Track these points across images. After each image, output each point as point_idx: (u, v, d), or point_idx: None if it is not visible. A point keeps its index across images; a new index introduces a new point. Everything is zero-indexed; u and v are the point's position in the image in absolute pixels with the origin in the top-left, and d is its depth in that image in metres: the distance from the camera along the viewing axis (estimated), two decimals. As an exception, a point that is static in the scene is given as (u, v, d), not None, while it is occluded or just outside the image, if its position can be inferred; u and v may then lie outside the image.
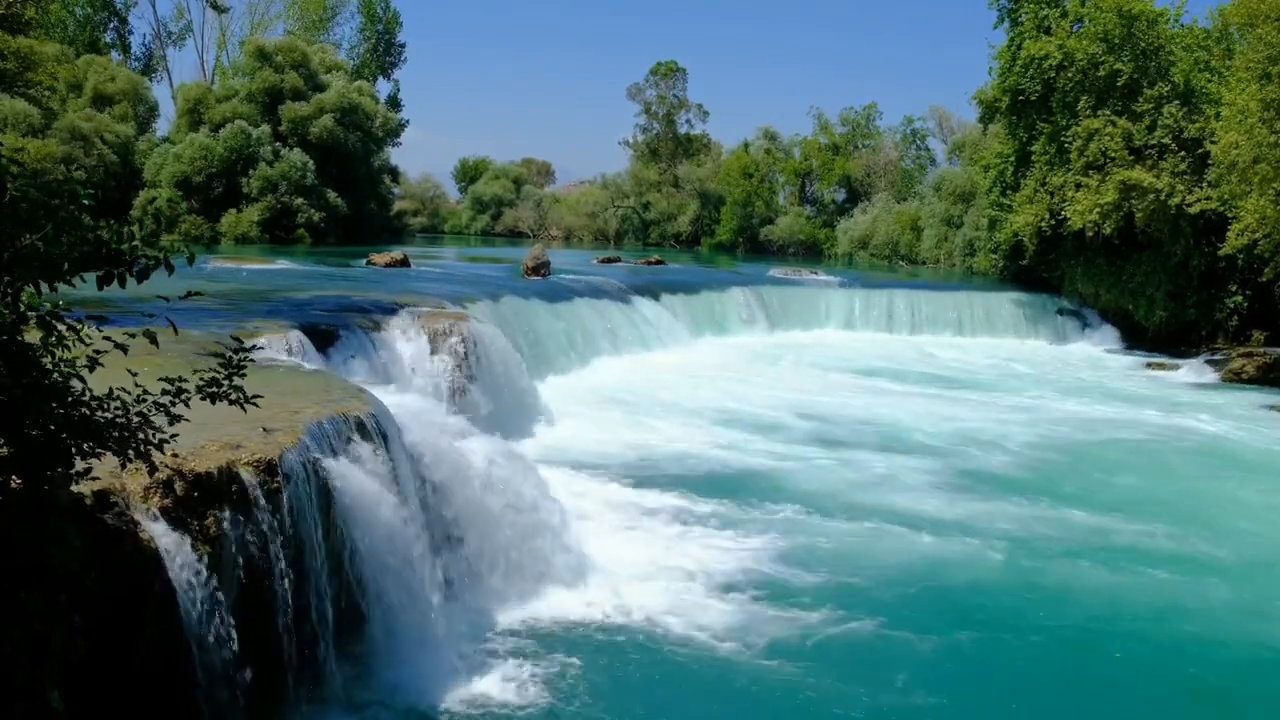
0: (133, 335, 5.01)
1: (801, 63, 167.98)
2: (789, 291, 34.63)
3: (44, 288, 4.77)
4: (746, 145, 68.48)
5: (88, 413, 4.92)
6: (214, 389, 5.50)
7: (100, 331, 4.99)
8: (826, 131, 67.55)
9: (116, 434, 5.03)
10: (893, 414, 20.52)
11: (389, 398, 10.21)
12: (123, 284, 4.84)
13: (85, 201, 4.85)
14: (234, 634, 6.68)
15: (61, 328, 4.76)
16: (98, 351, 4.94)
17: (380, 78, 68.20)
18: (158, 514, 6.38)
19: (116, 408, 5.09)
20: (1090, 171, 31.99)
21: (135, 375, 5.12)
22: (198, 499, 6.69)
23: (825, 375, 25.46)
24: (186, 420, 5.52)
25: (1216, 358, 29.06)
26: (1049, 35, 33.15)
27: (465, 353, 16.26)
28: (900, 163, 64.19)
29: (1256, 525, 13.98)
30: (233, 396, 5.54)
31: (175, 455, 5.72)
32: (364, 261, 31.41)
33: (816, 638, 9.65)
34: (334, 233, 47.90)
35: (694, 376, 23.53)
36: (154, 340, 4.99)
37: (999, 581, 11.43)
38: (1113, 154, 31.35)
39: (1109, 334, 34.12)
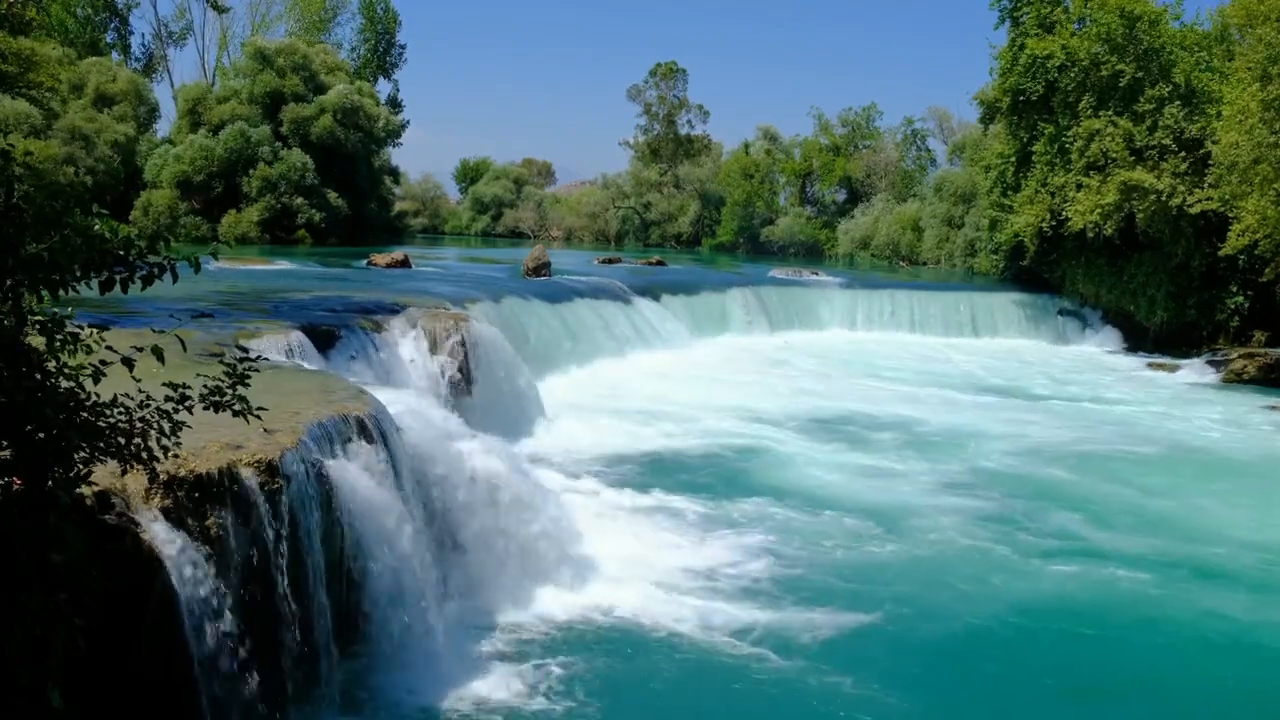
0: (140, 350, 5.03)
1: (801, 63, 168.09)
2: (790, 292, 34.63)
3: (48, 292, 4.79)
4: (747, 146, 68.48)
5: (90, 418, 4.93)
6: (217, 398, 5.50)
7: (103, 340, 5.02)
8: (827, 132, 67.52)
9: (118, 440, 5.05)
10: (893, 414, 20.53)
11: (389, 398, 10.22)
12: (125, 290, 4.85)
13: (98, 210, 4.87)
14: (234, 634, 6.70)
15: (64, 333, 4.78)
16: (104, 363, 4.96)
17: (380, 78, 68.19)
18: (158, 514, 6.39)
19: (119, 413, 5.11)
20: (1091, 172, 32.01)
21: (139, 381, 5.14)
22: (198, 499, 6.71)
23: (826, 375, 25.48)
24: (189, 427, 5.53)
25: (1217, 358, 29.05)
26: (1051, 34, 33.17)
27: (466, 353, 16.27)
28: (900, 163, 64.15)
29: (1256, 528, 13.92)
30: (236, 406, 5.54)
31: (176, 456, 5.73)
32: (365, 262, 31.41)
33: (819, 638, 9.65)
34: (335, 233, 47.87)
35: (695, 377, 23.55)
36: (161, 358, 5.01)
37: (997, 584, 11.42)
38: (1114, 154, 31.36)
39: (1110, 334, 34.12)
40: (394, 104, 65.97)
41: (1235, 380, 27.34)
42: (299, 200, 46.89)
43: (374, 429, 8.98)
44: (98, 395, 5.04)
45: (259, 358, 6.16)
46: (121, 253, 4.84)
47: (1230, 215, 28.20)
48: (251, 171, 46.49)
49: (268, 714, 7.00)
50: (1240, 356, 28.33)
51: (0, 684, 4.45)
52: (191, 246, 5.75)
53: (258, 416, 5.67)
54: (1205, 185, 29.64)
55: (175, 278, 4.93)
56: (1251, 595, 11.34)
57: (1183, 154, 30.81)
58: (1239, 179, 27.33)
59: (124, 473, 5.48)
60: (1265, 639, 10.28)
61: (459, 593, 9.55)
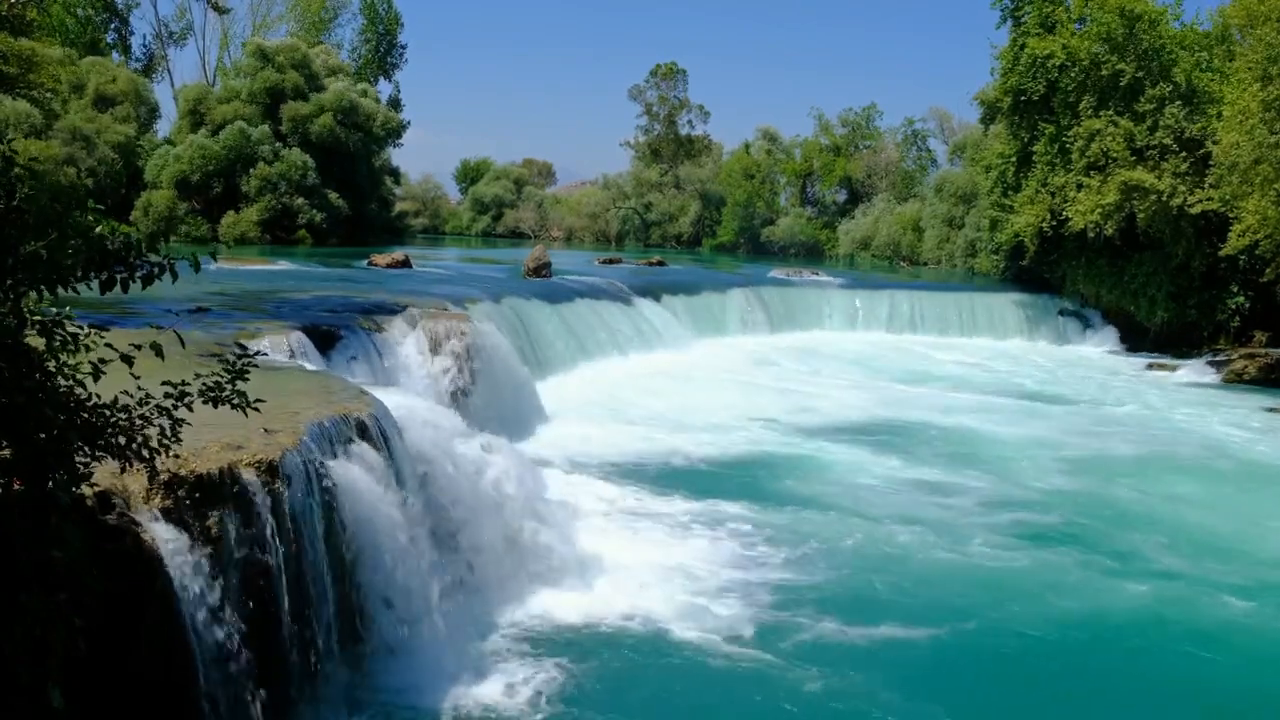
0: (139, 347, 5.04)
1: (801, 63, 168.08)
2: (790, 292, 34.64)
3: (48, 292, 4.79)
4: (747, 146, 68.51)
5: (90, 418, 4.93)
6: (216, 393, 5.51)
7: (103, 338, 5.02)
8: (827, 132, 67.52)
9: (118, 439, 5.05)
10: (891, 415, 20.52)
11: (390, 398, 10.22)
12: (125, 290, 4.86)
13: (95, 206, 4.88)
14: (235, 635, 6.69)
15: (64, 333, 4.78)
16: (103, 361, 4.96)
17: (381, 78, 68.19)
18: (159, 514, 6.39)
19: (119, 412, 5.11)
20: (1092, 172, 32.01)
21: (138, 379, 5.15)
22: (199, 500, 6.70)
23: (826, 375, 25.46)
24: (189, 424, 5.54)
25: (1218, 358, 29.07)
26: (1052, 34, 33.18)
27: (466, 353, 16.27)
28: (901, 164, 64.15)
29: (1254, 532, 13.82)
30: (235, 401, 5.56)
31: (176, 456, 5.74)
32: (365, 262, 31.42)
33: (820, 641, 9.63)
34: (335, 233, 47.86)
35: (695, 377, 23.54)
36: (160, 353, 5.01)
37: (999, 587, 11.37)
38: (1114, 154, 31.36)
39: (1110, 335, 34.12)
40: (394, 104, 65.95)
41: (1235, 380, 27.33)
42: (299, 200, 46.89)
43: (375, 429, 8.98)
44: (98, 395, 5.04)
45: (257, 353, 6.16)
46: (121, 252, 4.84)
47: (1231, 215, 28.20)
48: (251, 171, 46.50)
49: (269, 714, 6.99)
50: (1241, 357, 28.34)
51: (0, 684, 4.45)
52: (192, 247, 5.73)
53: (257, 410, 5.68)
54: (1206, 185, 29.64)
55: (175, 277, 4.93)
56: (1250, 602, 11.09)
57: (1183, 154, 30.81)
58: (1239, 179, 27.34)
59: (124, 472, 5.48)
60: (1263, 644, 10.18)
61: (461, 593, 9.53)
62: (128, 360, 4.98)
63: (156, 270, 4.92)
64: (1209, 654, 9.87)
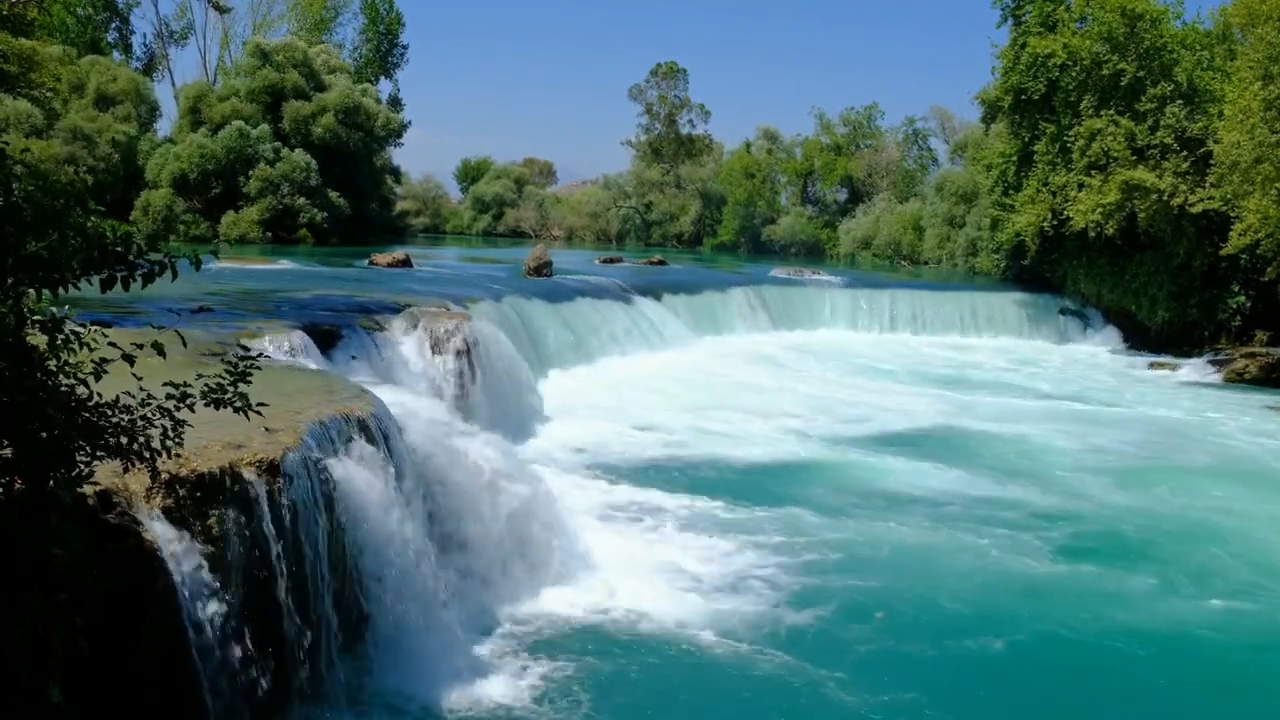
0: (141, 346, 5.04)
1: (802, 62, 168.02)
2: (791, 291, 34.63)
3: (48, 290, 4.79)
4: (748, 145, 68.44)
5: (92, 417, 4.93)
6: (219, 395, 5.51)
7: (106, 336, 5.02)
8: (828, 131, 67.45)
9: (120, 439, 5.05)
10: (901, 416, 20.49)
11: (391, 397, 10.22)
12: (125, 288, 4.86)
13: (93, 206, 4.88)
14: (236, 634, 6.69)
15: (65, 332, 4.78)
16: (105, 360, 4.97)
17: (382, 78, 68.14)
18: (160, 514, 6.39)
19: (121, 412, 5.11)
20: (1093, 171, 31.98)
21: (140, 380, 5.14)
22: (200, 499, 6.70)
23: (831, 375, 25.45)
24: (190, 426, 5.53)
25: (1219, 358, 29.05)
26: (1053, 33, 33.17)
27: (467, 353, 16.27)
28: (902, 163, 64.08)
29: (1254, 533, 13.69)
30: (237, 404, 5.55)
31: (177, 457, 5.74)
32: (366, 261, 31.42)
33: (821, 639, 9.61)
34: (337, 233, 47.84)
35: (697, 377, 23.52)
36: (161, 352, 5.01)
37: (1000, 586, 11.34)
38: (1115, 154, 31.33)
39: (1111, 334, 34.11)
40: (395, 104, 65.90)
41: (1236, 380, 27.32)
42: (301, 200, 46.89)
43: (376, 428, 8.98)
44: (99, 395, 5.04)
45: (260, 355, 6.16)
46: (121, 250, 4.84)
47: (1232, 215, 28.19)
48: (251, 172, 46.51)
49: (270, 713, 6.99)
50: (1242, 356, 28.33)
51: (0, 683, 4.45)
52: (192, 246, 5.74)
53: (258, 413, 5.68)
54: (1207, 185, 29.62)
55: (175, 275, 4.93)
56: (1247, 605, 10.99)
57: (1184, 153, 30.79)
58: (1240, 178, 27.32)
59: (125, 472, 5.48)
60: (1263, 648, 10.10)
61: (462, 591, 9.54)
62: (129, 359, 4.98)
63: (157, 269, 4.92)
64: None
